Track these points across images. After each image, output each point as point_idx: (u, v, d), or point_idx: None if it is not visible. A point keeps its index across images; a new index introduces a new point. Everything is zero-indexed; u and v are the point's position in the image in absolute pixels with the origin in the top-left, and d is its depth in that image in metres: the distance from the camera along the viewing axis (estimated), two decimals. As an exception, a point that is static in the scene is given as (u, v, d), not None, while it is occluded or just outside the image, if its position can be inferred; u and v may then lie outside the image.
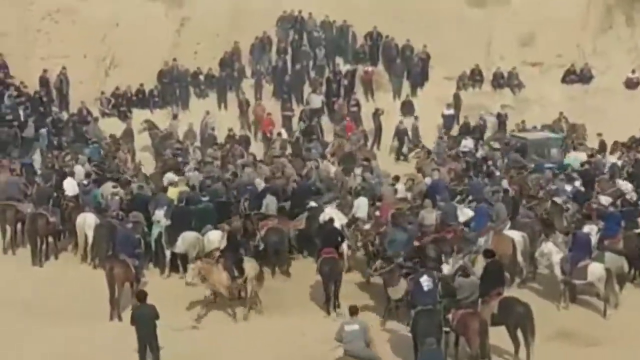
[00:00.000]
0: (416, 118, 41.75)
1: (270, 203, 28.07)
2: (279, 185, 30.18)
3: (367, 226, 27.09)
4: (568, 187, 31.00)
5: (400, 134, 41.29)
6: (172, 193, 28.71)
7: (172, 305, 23.17)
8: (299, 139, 39.13)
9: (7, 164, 32.09)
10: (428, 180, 31.29)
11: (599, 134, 39.10)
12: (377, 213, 27.49)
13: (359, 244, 26.47)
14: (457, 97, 43.94)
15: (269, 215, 27.78)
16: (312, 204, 28.69)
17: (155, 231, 26.93)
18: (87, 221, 26.98)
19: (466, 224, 26.95)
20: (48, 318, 23.04)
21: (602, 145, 38.69)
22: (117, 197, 28.14)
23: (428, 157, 37.14)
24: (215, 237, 25.38)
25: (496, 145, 38.70)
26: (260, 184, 29.82)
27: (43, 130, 36.05)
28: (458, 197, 29.51)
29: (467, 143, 38.81)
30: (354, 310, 20.23)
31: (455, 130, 42.06)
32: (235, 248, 24.03)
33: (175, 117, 40.10)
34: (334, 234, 25.00)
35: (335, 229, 25.25)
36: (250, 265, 23.80)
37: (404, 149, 40.65)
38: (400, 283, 22.70)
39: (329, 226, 25.42)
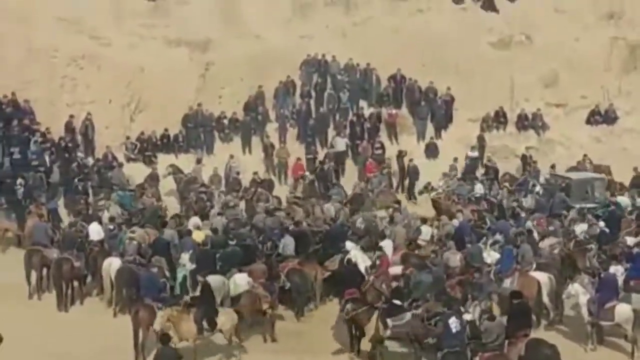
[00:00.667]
0: (455, 159, 41.17)
1: (288, 244, 28.08)
2: (307, 228, 30.22)
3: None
4: (583, 227, 30.94)
5: (411, 172, 40.90)
6: (198, 236, 28.76)
7: (195, 348, 23.18)
8: (313, 182, 39.03)
9: (34, 210, 32.29)
10: (455, 222, 31.15)
11: (609, 173, 38.81)
12: (377, 262, 27.20)
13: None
14: (481, 139, 43.68)
15: (288, 256, 27.79)
16: (349, 245, 28.62)
17: (180, 274, 27.00)
18: (112, 265, 27.02)
19: (479, 269, 26.45)
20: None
21: (611, 185, 38.34)
22: (134, 242, 28.03)
23: (449, 198, 36.83)
24: (241, 281, 25.25)
25: (507, 185, 38.42)
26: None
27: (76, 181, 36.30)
28: (484, 239, 29.40)
29: (477, 188, 38.12)
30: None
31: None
32: (208, 299, 23.75)
33: (199, 161, 40.05)
34: (356, 275, 24.96)
35: (357, 270, 25.22)
36: (225, 318, 23.50)
37: (416, 189, 40.26)
38: (371, 322, 22.71)
39: (351, 267, 25.38)
